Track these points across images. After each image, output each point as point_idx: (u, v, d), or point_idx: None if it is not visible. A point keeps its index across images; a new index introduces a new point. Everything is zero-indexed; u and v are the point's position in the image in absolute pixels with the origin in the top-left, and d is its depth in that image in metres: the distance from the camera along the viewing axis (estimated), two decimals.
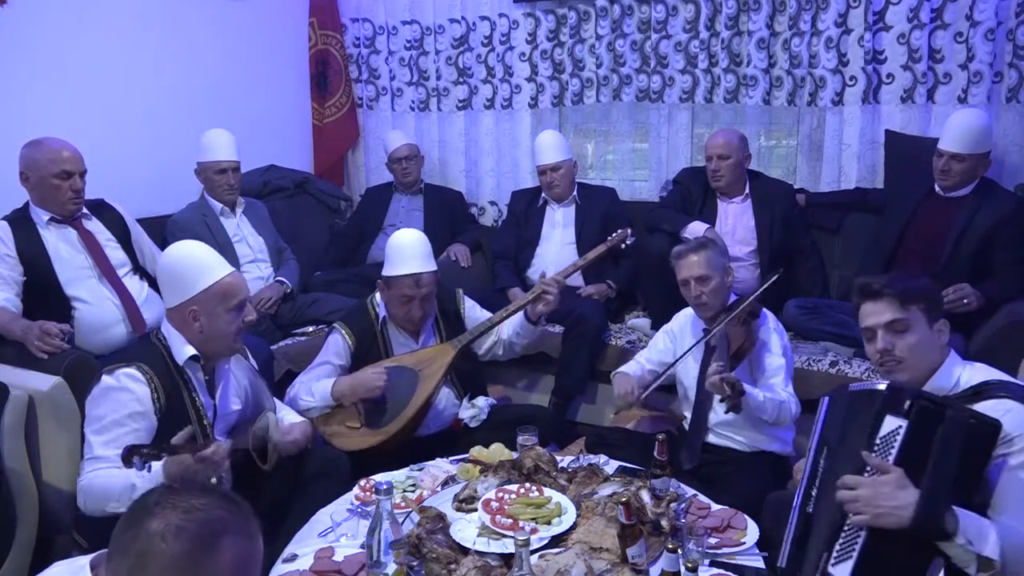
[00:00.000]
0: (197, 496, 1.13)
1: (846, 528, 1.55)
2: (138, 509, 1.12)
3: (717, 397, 2.34)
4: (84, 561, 1.23)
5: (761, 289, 2.51)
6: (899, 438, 1.53)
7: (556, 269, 3.54)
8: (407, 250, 2.64)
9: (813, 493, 1.68)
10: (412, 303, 2.62)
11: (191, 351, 2.06)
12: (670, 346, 2.69)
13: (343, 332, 2.70)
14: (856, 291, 1.85)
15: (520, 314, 2.78)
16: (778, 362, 2.44)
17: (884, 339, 1.77)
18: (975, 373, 1.75)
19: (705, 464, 2.45)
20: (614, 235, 2.97)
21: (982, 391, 1.67)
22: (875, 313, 1.79)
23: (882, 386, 1.63)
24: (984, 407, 1.57)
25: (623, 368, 2.70)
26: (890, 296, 1.77)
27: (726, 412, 2.29)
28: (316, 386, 2.60)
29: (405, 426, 2.58)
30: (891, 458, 1.53)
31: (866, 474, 1.54)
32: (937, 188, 2.99)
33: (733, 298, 2.55)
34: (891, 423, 1.55)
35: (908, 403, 1.53)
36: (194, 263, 2.09)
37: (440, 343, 2.75)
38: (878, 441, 1.56)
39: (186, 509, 1.10)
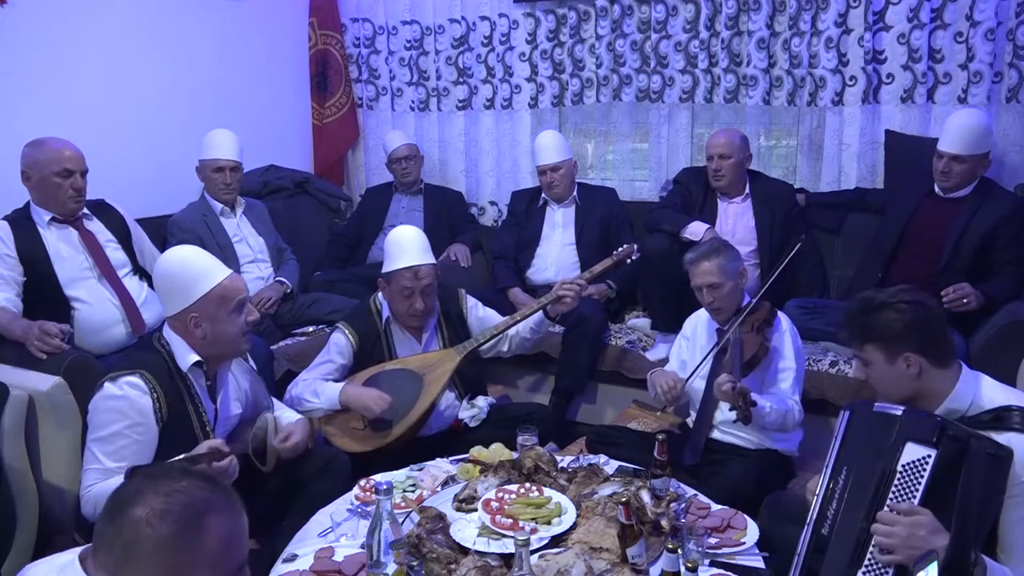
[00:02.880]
0: (176, 479, 1.14)
1: (870, 555, 1.53)
2: (119, 500, 1.13)
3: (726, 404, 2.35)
4: (70, 556, 1.21)
5: (784, 262, 2.51)
6: (928, 469, 1.50)
7: (556, 269, 3.58)
8: (404, 244, 2.65)
9: (829, 514, 1.64)
10: (413, 296, 2.62)
11: (195, 358, 2.06)
12: (686, 349, 2.71)
13: (346, 331, 2.70)
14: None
15: (539, 312, 2.80)
16: (789, 367, 2.44)
17: (856, 368, 1.83)
18: (996, 393, 1.68)
19: (709, 462, 2.45)
20: (620, 249, 2.97)
21: (1003, 418, 1.60)
22: None
23: (897, 410, 1.59)
24: (1006, 440, 1.53)
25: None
26: (848, 333, 1.80)
27: (735, 422, 2.30)
28: (323, 388, 2.59)
29: (407, 431, 2.58)
30: (919, 489, 1.50)
31: (888, 506, 1.52)
32: (937, 188, 2.99)
33: (747, 299, 2.56)
34: (916, 451, 1.52)
35: (936, 432, 1.50)
36: (190, 270, 2.07)
37: (443, 345, 2.76)
38: (900, 469, 1.53)
39: (168, 492, 1.11)
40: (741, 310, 2.46)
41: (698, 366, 2.50)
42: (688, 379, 2.48)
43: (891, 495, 1.53)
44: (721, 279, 2.48)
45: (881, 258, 3.06)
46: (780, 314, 2.52)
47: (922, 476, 1.50)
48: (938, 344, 1.71)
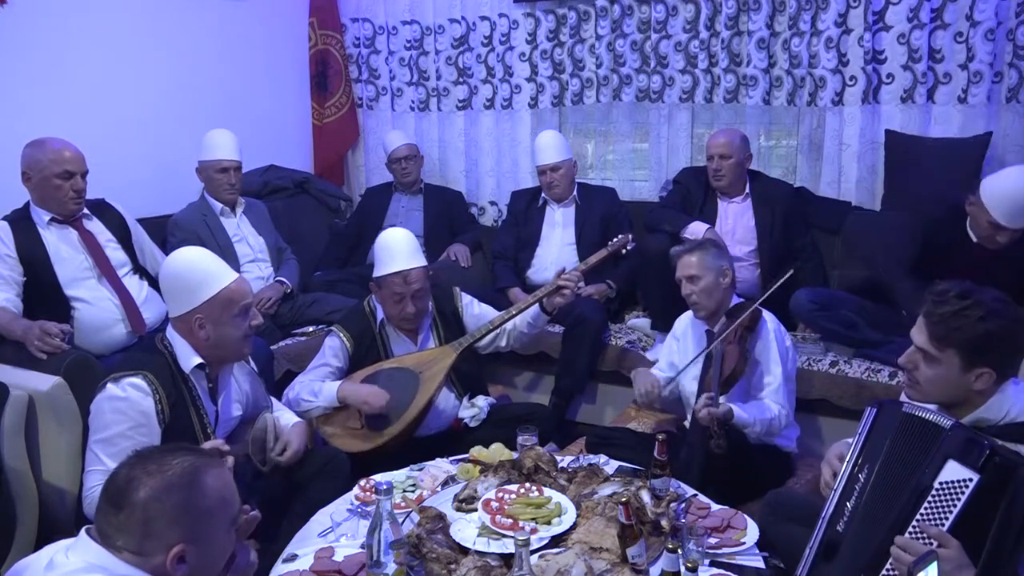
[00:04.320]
0: (159, 456, 1.28)
1: (890, 567, 1.47)
2: (115, 491, 1.24)
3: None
4: (71, 540, 1.25)
5: (772, 289, 2.46)
6: (967, 493, 1.41)
7: (556, 269, 3.55)
8: (394, 248, 2.64)
9: (846, 511, 1.60)
10: (404, 301, 2.61)
11: (197, 360, 2.05)
12: (675, 350, 2.71)
13: (341, 335, 2.69)
14: (926, 298, 1.68)
15: (535, 306, 2.80)
16: (774, 374, 2.42)
17: (910, 356, 1.68)
18: None
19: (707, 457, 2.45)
20: (615, 240, 2.97)
21: None
22: (916, 330, 1.68)
23: (946, 423, 1.52)
24: None
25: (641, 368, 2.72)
26: (931, 327, 1.63)
27: (710, 440, 2.23)
28: (320, 387, 2.59)
29: (406, 429, 2.58)
30: (953, 512, 1.42)
31: (911, 531, 1.45)
32: (973, 237, 2.76)
33: (736, 300, 2.55)
34: (957, 471, 1.43)
35: (984, 457, 1.40)
36: (198, 272, 2.06)
37: (439, 344, 2.75)
38: (937, 485, 1.45)
39: (159, 470, 1.24)
40: (729, 312, 2.44)
41: (680, 372, 2.52)
42: (667, 386, 2.53)
43: (921, 512, 1.46)
44: (700, 272, 2.48)
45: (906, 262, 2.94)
46: (764, 316, 2.48)
47: (958, 499, 1.42)
48: (1014, 362, 1.63)
